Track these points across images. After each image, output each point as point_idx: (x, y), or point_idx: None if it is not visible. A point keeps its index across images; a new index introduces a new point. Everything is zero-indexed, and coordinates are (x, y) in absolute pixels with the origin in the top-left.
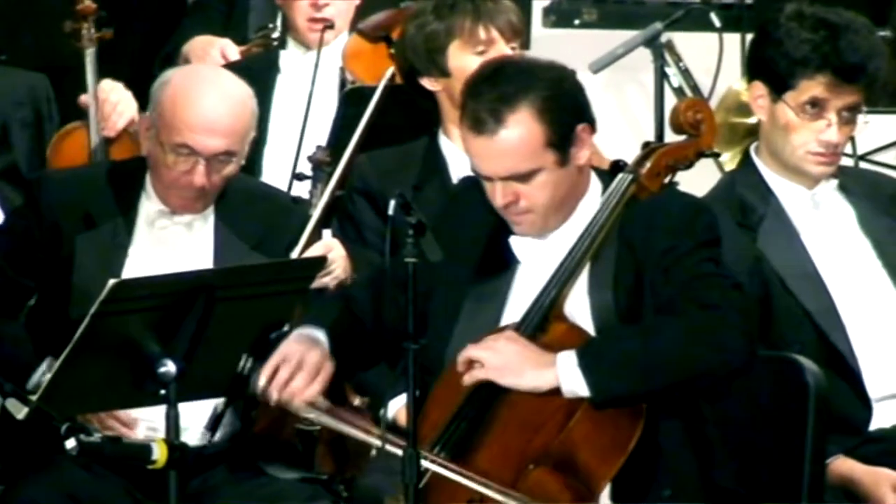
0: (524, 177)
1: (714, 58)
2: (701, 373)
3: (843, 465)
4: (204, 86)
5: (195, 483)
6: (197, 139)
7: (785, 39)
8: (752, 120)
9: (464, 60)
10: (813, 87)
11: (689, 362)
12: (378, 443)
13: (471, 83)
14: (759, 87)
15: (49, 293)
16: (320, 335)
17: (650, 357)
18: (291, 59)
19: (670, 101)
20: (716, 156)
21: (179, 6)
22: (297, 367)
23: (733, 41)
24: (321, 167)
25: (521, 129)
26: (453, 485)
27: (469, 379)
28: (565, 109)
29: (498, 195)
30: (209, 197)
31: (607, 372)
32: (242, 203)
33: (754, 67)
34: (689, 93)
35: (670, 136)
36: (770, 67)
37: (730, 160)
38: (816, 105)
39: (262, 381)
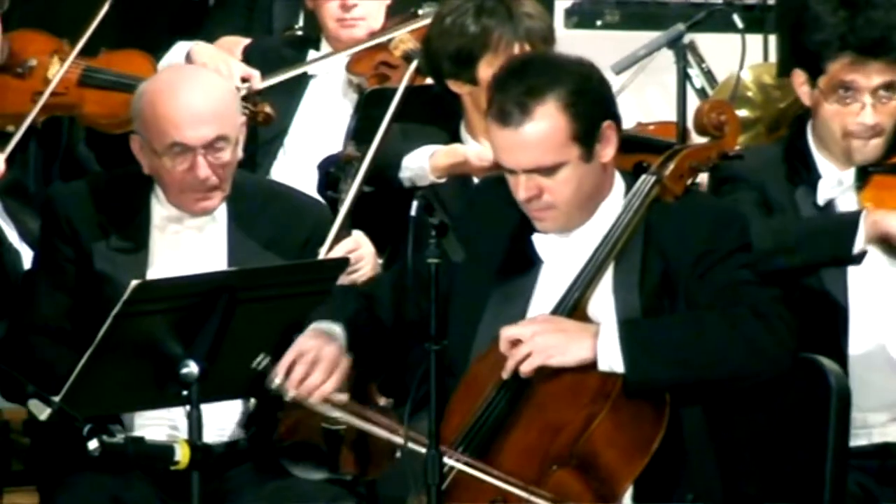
0: (548, 170)
1: (737, 59)
2: (736, 375)
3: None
4: (178, 82)
5: (219, 484)
6: (185, 133)
7: (809, 24)
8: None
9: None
10: (838, 69)
11: (729, 361)
12: (400, 440)
13: (498, 77)
14: (800, 75)
15: (82, 304)
16: (337, 329)
17: (693, 347)
18: (323, 63)
19: (693, 102)
20: (739, 157)
21: (202, 5)
22: (313, 363)
23: (756, 42)
24: (351, 162)
25: (547, 121)
26: (476, 485)
27: (525, 368)
28: (591, 104)
29: (521, 188)
30: (223, 187)
31: (647, 352)
32: (254, 202)
33: (794, 54)
34: (711, 94)
35: (693, 138)
36: (802, 53)
37: None
38: (847, 88)
39: (278, 378)
